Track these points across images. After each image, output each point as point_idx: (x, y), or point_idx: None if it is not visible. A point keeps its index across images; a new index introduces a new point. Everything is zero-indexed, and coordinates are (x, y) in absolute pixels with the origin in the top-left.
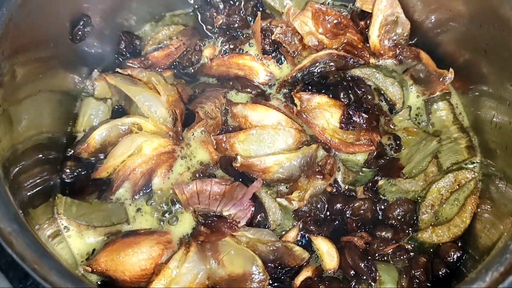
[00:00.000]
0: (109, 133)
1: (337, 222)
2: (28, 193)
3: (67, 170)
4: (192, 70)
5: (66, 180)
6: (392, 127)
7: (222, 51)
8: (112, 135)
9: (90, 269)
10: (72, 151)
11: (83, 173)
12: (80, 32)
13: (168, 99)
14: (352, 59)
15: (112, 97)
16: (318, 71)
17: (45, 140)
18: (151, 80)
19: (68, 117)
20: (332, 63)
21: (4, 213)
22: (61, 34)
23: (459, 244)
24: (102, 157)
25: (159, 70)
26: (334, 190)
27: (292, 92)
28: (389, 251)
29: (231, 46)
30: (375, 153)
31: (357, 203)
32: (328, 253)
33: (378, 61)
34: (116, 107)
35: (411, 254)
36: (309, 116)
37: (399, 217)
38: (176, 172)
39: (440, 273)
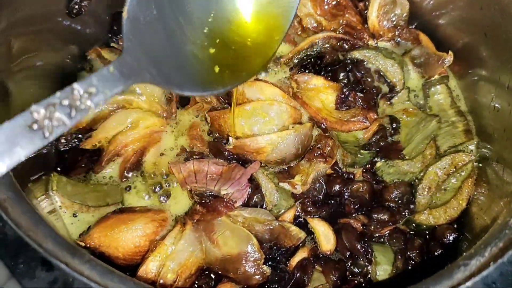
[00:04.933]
0: (102, 109)
1: (334, 203)
2: (23, 165)
3: (63, 140)
4: None
5: (60, 149)
6: (391, 108)
7: None
8: (105, 111)
9: (83, 244)
10: None
11: (77, 142)
12: (77, 6)
13: None
14: (350, 42)
15: None
16: (315, 53)
17: None
18: None
19: None
20: (328, 46)
21: None
22: (58, 8)
23: (455, 226)
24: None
25: None
26: (333, 172)
27: (289, 75)
28: (386, 233)
29: None
30: (380, 135)
31: (356, 185)
32: (324, 235)
33: (377, 43)
34: None
35: (407, 235)
36: (304, 97)
37: (396, 199)
38: (168, 151)
39: (436, 253)
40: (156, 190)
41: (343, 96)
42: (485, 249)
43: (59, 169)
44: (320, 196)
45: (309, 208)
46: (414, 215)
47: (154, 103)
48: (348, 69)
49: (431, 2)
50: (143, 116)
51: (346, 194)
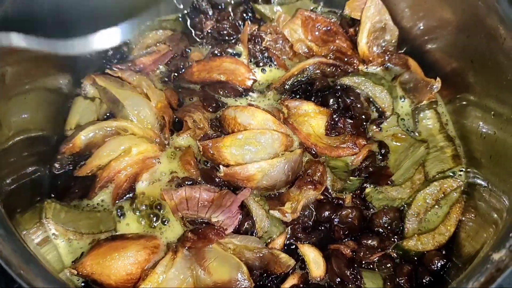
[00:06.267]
0: (95, 135)
1: (324, 229)
2: (15, 194)
3: (57, 165)
4: (178, 77)
5: (54, 172)
6: (380, 133)
7: (209, 55)
8: (99, 137)
9: (75, 272)
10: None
11: (70, 167)
12: None
13: (157, 105)
14: (340, 68)
15: (101, 100)
16: (306, 79)
17: (35, 139)
18: (141, 84)
19: (59, 116)
20: (319, 72)
21: None
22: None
23: (443, 252)
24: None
25: (146, 75)
26: (323, 197)
27: (280, 100)
28: (375, 259)
29: (218, 50)
30: (369, 161)
31: (345, 211)
32: (314, 261)
33: (367, 68)
34: (108, 114)
35: (396, 262)
36: (295, 122)
37: (385, 225)
38: (161, 177)
39: (424, 281)
40: (148, 216)
41: (332, 122)
42: (467, 283)
43: (52, 195)
44: (310, 222)
45: (299, 234)
46: (403, 241)
47: (147, 129)
48: (337, 95)
49: (421, 28)
50: (136, 142)
51: (336, 220)
